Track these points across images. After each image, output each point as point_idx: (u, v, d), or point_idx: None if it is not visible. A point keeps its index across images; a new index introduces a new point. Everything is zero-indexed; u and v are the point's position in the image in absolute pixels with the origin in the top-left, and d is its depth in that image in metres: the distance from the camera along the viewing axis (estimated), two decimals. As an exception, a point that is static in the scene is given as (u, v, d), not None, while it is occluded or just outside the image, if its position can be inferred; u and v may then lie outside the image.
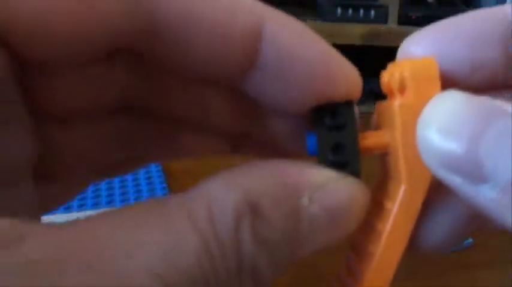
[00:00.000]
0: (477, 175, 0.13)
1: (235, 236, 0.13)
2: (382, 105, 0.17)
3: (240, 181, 0.14)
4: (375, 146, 0.17)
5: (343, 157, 0.16)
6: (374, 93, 0.61)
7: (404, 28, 0.99)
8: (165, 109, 0.18)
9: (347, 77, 0.16)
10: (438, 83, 0.16)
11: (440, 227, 0.17)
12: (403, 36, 0.18)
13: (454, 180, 0.14)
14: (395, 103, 0.16)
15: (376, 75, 0.18)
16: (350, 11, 0.98)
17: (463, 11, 0.18)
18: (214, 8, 0.15)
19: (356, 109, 0.17)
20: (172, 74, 0.17)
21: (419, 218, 0.16)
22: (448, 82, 0.16)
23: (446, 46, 0.16)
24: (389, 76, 0.17)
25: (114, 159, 0.19)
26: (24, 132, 0.16)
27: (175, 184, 0.53)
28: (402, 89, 0.16)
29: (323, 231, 0.15)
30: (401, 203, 0.16)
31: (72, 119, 0.17)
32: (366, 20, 0.98)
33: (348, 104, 0.17)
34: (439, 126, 0.14)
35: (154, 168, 0.57)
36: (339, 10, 0.98)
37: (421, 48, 0.17)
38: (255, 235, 0.13)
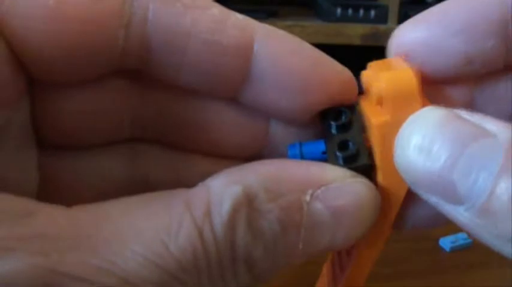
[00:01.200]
0: (452, 196, 0.13)
1: (230, 226, 0.14)
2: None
3: (242, 176, 0.15)
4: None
5: (350, 151, 0.16)
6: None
7: (404, 28, 0.99)
8: (174, 134, 0.18)
9: (340, 80, 0.17)
10: (417, 98, 0.15)
11: (423, 209, 0.17)
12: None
13: (430, 198, 0.14)
14: (373, 122, 0.16)
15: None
16: (350, 11, 0.98)
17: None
18: (203, 20, 0.15)
19: (358, 109, 0.17)
20: (172, 91, 0.17)
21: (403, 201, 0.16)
22: (442, 73, 0.16)
23: (440, 38, 0.16)
24: (367, 79, 0.17)
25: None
26: (31, 163, 0.16)
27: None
28: (380, 103, 0.16)
29: (327, 230, 0.15)
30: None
31: (75, 148, 0.17)
32: (366, 20, 0.98)
33: (351, 105, 0.17)
34: (415, 147, 0.14)
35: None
36: (339, 10, 0.98)
37: (415, 34, 0.16)
38: (250, 226, 0.14)
